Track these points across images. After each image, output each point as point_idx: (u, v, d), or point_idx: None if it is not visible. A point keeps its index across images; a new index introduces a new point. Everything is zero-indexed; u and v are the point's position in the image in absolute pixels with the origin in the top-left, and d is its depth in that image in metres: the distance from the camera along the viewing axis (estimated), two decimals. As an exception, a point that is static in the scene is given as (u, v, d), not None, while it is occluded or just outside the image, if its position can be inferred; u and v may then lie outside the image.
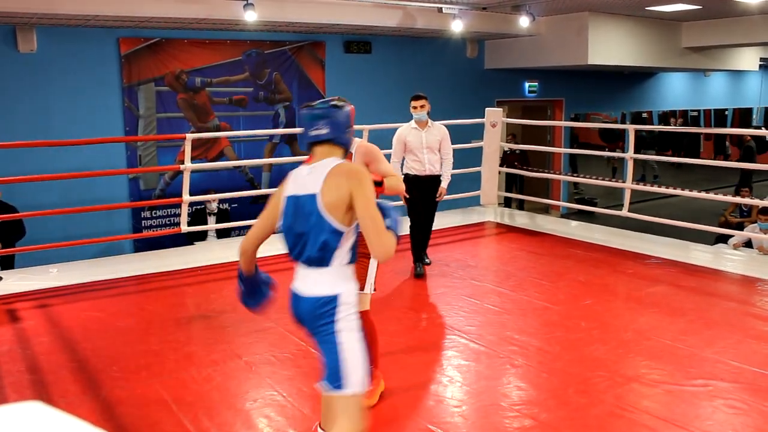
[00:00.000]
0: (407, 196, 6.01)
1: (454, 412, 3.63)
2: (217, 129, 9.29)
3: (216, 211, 8.36)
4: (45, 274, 6.19)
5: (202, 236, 8.06)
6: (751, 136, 14.34)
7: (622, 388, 3.86)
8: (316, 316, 2.56)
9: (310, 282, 2.59)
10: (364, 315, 3.35)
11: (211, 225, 8.04)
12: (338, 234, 2.52)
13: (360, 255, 3.02)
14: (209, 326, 4.95)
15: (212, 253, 6.99)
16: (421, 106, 5.99)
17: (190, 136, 6.83)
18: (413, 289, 5.85)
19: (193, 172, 7.00)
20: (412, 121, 6.11)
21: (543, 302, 5.43)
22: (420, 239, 6.25)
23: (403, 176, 6.09)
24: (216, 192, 8.16)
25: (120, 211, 8.55)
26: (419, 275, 6.15)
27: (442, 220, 7.37)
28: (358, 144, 3.92)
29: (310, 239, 2.55)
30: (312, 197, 2.53)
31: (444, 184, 6.16)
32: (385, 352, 4.62)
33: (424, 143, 6.04)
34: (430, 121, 6.13)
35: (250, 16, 7.60)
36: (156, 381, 4.00)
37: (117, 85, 8.57)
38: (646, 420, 3.48)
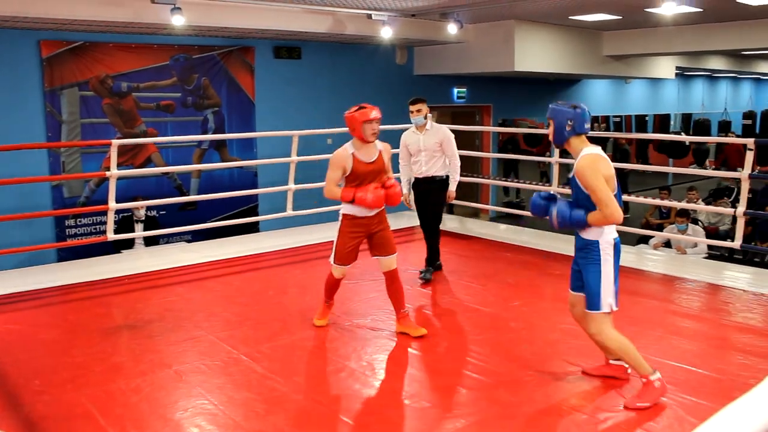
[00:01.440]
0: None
1: (386, 415, 3.65)
2: (144, 135, 9.10)
3: (144, 218, 8.19)
4: (-38, 286, 5.95)
5: (129, 244, 7.87)
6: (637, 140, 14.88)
7: (551, 386, 3.96)
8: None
9: None
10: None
11: (139, 233, 7.86)
12: None
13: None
14: (137, 336, 4.84)
15: (140, 261, 6.85)
16: (418, 111, 6.07)
17: (116, 142, 6.67)
18: (343, 294, 5.85)
19: (119, 178, 6.84)
20: (413, 125, 6.24)
21: (473, 304, 5.52)
22: (429, 243, 6.31)
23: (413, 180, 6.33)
24: (144, 199, 7.99)
25: (43, 220, 8.26)
26: (425, 280, 6.16)
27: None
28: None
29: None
30: None
31: (452, 187, 6.24)
32: (318, 364, 4.63)
33: (421, 146, 6.13)
34: (430, 123, 6.20)
35: (178, 21, 7.48)
36: (81, 394, 3.89)
37: (38, 90, 8.29)
38: (576, 416, 3.58)
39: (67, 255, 7.85)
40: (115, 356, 4.49)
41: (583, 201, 3.68)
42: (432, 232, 6.31)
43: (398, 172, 6.19)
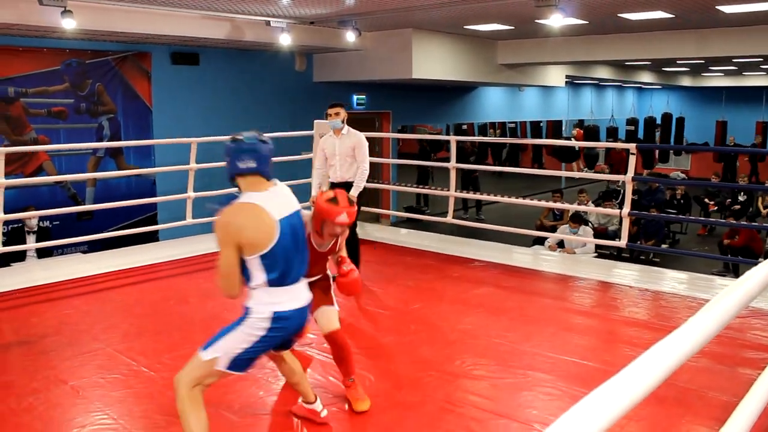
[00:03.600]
0: None
1: (287, 419, 3.67)
2: (35, 142, 8.74)
3: (36, 229, 7.87)
4: None
5: (20, 256, 7.53)
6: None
7: (451, 385, 4.09)
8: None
9: (306, 292, 3.12)
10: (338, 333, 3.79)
11: (31, 244, 7.55)
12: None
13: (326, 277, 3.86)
14: (29, 352, 4.65)
15: (32, 274, 6.57)
16: (336, 113, 6.12)
17: (2, 150, 6.39)
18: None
19: (8, 188, 6.55)
20: (330, 130, 6.26)
21: (374, 308, 5.61)
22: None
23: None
24: (36, 209, 7.68)
25: None
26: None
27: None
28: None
29: (302, 255, 3.07)
30: (298, 213, 3.04)
31: (353, 192, 6.07)
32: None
33: (336, 150, 6.16)
34: (346, 128, 6.22)
35: (69, 24, 7.22)
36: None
37: None
38: (474, 413, 3.71)
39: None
40: (4, 375, 4.29)
41: None
42: (353, 237, 6.17)
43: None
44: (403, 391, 4.01)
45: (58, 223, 8.69)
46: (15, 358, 4.63)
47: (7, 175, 6.56)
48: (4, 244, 6.54)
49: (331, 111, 6.18)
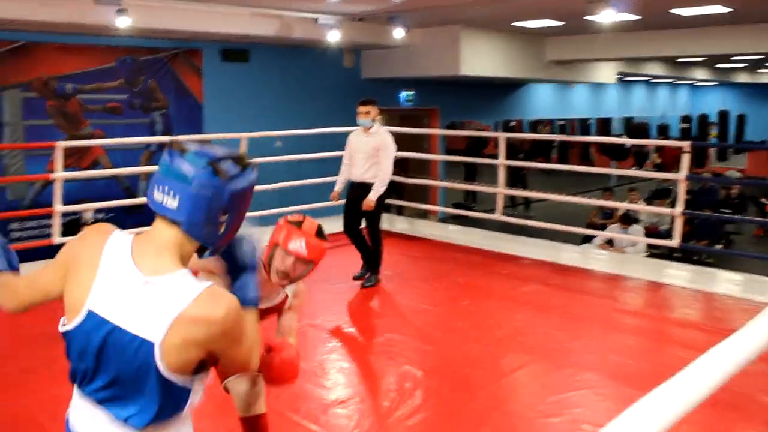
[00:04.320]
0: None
1: (338, 414, 3.70)
2: (91, 137, 8.96)
3: (92, 221, 8.06)
4: None
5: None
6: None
7: (498, 383, 4.07)
8: None
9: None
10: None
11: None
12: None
13: None
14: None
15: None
16: (366, 113, 5.81)
17: (60, 144, 6.57)
18: (334, 287, 5.86)
19: (66, 181, 6.73)
20: (360, 127, 6.01)
21: (423, 304, 5.61)
22: (357, 243, 6.07)
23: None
24: (91, 202, 7.87)
25: (-16, 224, 8.08)
26: (356, 277, 6.03)
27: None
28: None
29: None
30: (147, 345, 1.55)
31: (371, 195, 5.80)
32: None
33: (361, 149, 5.95)
34: (376, 126, 5.93)
35: (123, 22, 7.39)
36: (28, 399, 3.84)
37: (-22, 92, 8.11)
38: (521, 411, 3.69)
39: (10, 259, 7.68)
40: (62, 360, 4.42)
41: None
42: (370, 236, 6.04)
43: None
44: (450, 388, 4.01)
45: (113, 214, 8.88)
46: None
47: (65, 169, 6.74)
48: (63, 235, 6.72)
49: (361, 109, 5.86)
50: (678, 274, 6.55)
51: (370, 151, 5.90)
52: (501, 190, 7.86)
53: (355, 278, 6.06)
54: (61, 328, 1.71)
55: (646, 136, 20.03)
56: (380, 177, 5.86)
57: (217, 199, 1.57)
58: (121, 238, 1.67)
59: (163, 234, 1.62)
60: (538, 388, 4.00)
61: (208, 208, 1.57)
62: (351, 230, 6.09)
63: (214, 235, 1.62)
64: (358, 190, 5.99)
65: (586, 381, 4.06)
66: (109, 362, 1.61)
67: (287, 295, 2.73)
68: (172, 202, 1.57)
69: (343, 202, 6.24)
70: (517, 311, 5.41)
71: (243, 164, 1.62)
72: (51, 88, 8.62)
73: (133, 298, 1.57)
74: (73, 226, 7.94)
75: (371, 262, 6.04)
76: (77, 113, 8.88)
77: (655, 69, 16.89)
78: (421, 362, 4.39)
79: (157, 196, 1.60)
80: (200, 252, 1.67)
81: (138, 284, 1.57)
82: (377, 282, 6.02)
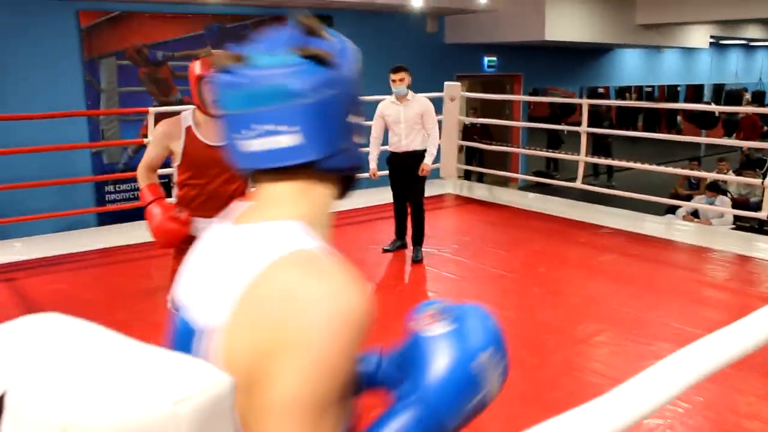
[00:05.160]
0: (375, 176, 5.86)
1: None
2: (180, 103, 9.28)
3: (179, 184, 8.40)
4: (9, 248, 6.22)
5: (165, 209, 8.08)
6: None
7: (571, 349, 4.11)
8: None
9: None
10: None
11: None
12: None
13: None
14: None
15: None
16: (401, 80, 5.68)
17: (152, 110, 6.87)
18: (375, 259, 6.01)
19: (156, 146, 7.04)
20: (393, 95, 5.84)
21: (499, 270, 5.66)
22: (413, 219, 5.91)
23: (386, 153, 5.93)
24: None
25: (83, 185, 8.53)
26: (386, 249, 6.06)
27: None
28: None
29: None
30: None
31: (428, 160, 5.73)
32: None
33: (401, 118, 5.76)
34: (411, 93, 5.79)
35: (212, -10, 7.61)
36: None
37: (78, 59, 8.51)
38: (593, 378, 3.72)
39: (106, 219, 8.09)
40: (155, 315, 4.70)
41: None
42: (415, 209, 5.90)
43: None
44: (523, 351, 4.06)
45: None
46: (163, 301, 5.03)
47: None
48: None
49: (395, 76, 5.68)
50: (767, 248, 6.35)
51: (414, 118, 5.76)
52: (583, 158, 7.76)
53: (385, 251, 6.06)
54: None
55: (739, 103, 19.17)
56: (432, 139, 5.80)
57: (344, 97, 1.03)
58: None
59: (278, 191, 1.00)
60: (611, 356, 4.01)
61: (339, 117, 1.01)
62: (403, 203, 5.98)
63: (354, 154, 1.05)
64: (405, 159, 5.81)
65: (661, 351, 4.04)
66: None
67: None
68: (284, 140, 0.95)
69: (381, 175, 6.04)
70: (594, 280, 5.40)
71: (322, 34, 1.09)
72: (143, 56, 8.97)
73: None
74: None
75: (420, 234, 5.91)
76: (167, 80, 9.22)
77: (754, 32, 16.10)
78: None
79: (245, 145, 0.97)
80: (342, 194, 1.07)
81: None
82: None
